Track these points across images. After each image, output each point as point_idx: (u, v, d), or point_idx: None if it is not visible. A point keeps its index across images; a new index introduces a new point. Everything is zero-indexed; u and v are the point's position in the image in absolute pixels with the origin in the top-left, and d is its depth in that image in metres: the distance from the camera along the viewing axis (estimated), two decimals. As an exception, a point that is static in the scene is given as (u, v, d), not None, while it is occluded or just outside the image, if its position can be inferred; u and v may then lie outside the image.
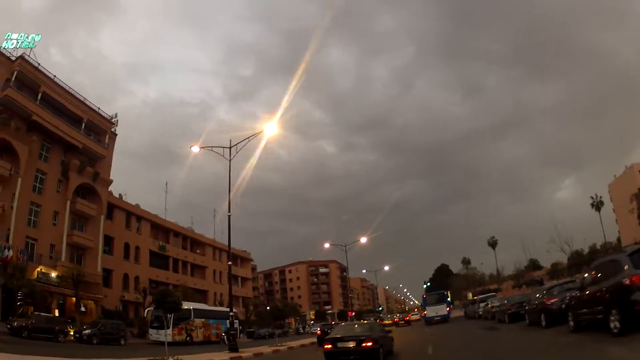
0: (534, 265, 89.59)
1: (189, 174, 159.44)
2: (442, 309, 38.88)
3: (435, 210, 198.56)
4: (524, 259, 67.13)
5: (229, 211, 19.28)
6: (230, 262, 21.33)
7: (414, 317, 57.06)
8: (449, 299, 45.15)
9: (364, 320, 41.40)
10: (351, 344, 11.92)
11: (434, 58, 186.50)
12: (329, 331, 19.89)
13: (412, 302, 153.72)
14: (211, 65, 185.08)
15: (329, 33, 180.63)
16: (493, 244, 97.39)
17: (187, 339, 33.79)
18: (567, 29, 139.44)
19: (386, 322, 53.04)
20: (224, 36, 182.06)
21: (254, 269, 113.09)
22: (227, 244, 21.22)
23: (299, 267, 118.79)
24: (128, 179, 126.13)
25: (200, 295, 61.52)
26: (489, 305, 28.29)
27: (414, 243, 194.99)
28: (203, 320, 37.38)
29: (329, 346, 12.30)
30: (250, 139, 21.22)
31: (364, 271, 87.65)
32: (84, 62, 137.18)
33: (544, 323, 14.69)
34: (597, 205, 71.81)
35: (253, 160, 25.05)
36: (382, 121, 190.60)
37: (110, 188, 48.40)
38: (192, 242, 65.84)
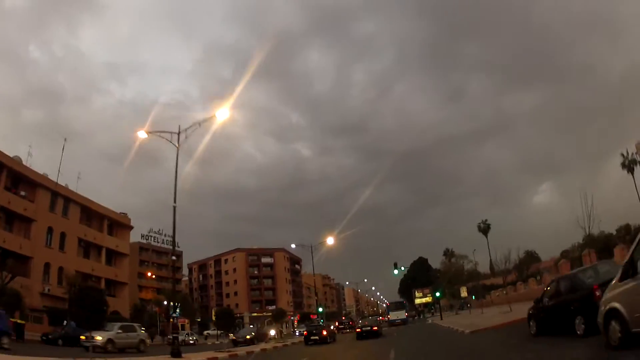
0: (532, 257, 73.56)
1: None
2: (402, 314, 51.62)
3: (413, 214, 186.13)
4: (518, 253, 46.26)
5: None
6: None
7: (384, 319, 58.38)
8: (407, 307, 59.57)
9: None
10: (368, 328, 28.18)
11: (415, 63, 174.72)
12: (314, 331, 28.84)
13: (384, 305, 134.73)
14: (190, 66, 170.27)
15: (309, 36, 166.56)
16: (485, 229, 74.75)
17: None
18: (556, 40, 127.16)
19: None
20: (204, 37, 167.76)
21: (179, 255, 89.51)
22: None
23: (237, 256, 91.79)
24: (101, 179, 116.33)
25: (16, 261, 37.34)
26: None
27: (391, 247, 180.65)
28: None
29: (359, 330, 28.80)
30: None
31: (293, 246, 63.43)
32: (64, 60, 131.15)
33: None
34: (630, 164, 48.58)
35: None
36: (359, 125, 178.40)
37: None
38: (15, 178, 41.17)
